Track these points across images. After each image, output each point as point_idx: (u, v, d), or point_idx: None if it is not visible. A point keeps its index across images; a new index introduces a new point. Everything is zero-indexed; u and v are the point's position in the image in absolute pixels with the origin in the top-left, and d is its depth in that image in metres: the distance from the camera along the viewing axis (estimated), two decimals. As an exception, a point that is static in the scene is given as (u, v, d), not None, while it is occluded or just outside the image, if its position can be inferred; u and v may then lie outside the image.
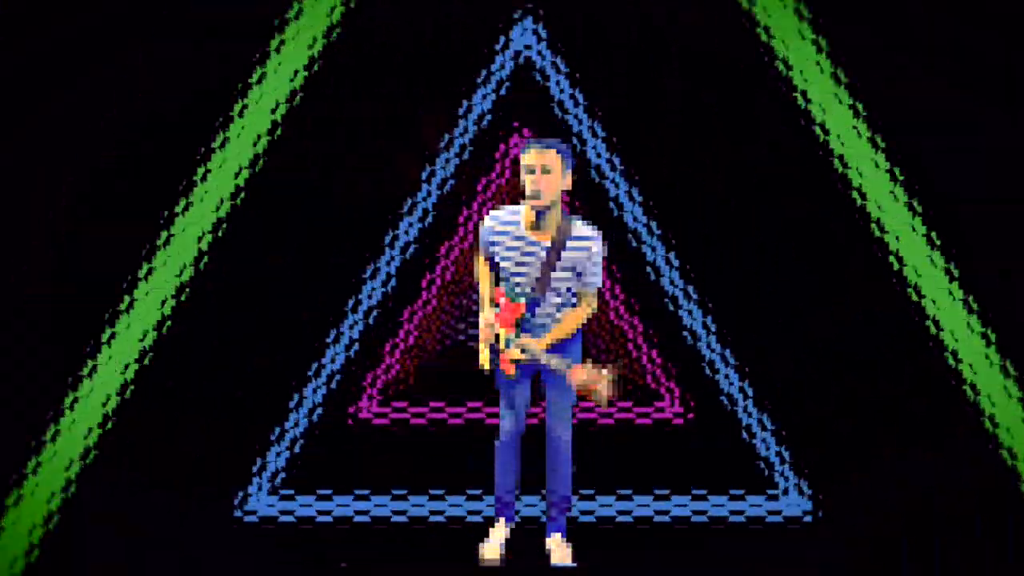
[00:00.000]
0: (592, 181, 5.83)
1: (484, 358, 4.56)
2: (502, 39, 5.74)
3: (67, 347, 5.28)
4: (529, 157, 4.26)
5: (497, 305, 4.50)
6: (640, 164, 5.80)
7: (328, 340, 5.76)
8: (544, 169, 4.24)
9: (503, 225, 4.42)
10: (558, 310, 4.46)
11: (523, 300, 4.42)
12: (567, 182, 4.31)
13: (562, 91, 5.79)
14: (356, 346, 5.82)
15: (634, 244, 5.83)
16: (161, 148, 5.40)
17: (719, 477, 5.39)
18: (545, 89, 5.79)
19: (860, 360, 5.57)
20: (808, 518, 5.20)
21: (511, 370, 4.46)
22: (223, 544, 4.91)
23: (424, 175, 5.81)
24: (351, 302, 5.82)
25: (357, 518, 5.14)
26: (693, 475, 5.42)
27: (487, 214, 4.49)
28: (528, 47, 5.77)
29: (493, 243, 4.44)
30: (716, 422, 5.80)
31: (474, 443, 5.13)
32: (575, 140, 5.81)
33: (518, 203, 4.40)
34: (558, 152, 4.27)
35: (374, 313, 5.85)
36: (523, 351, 4.39)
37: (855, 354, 5.58)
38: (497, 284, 4.54)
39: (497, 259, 4.45)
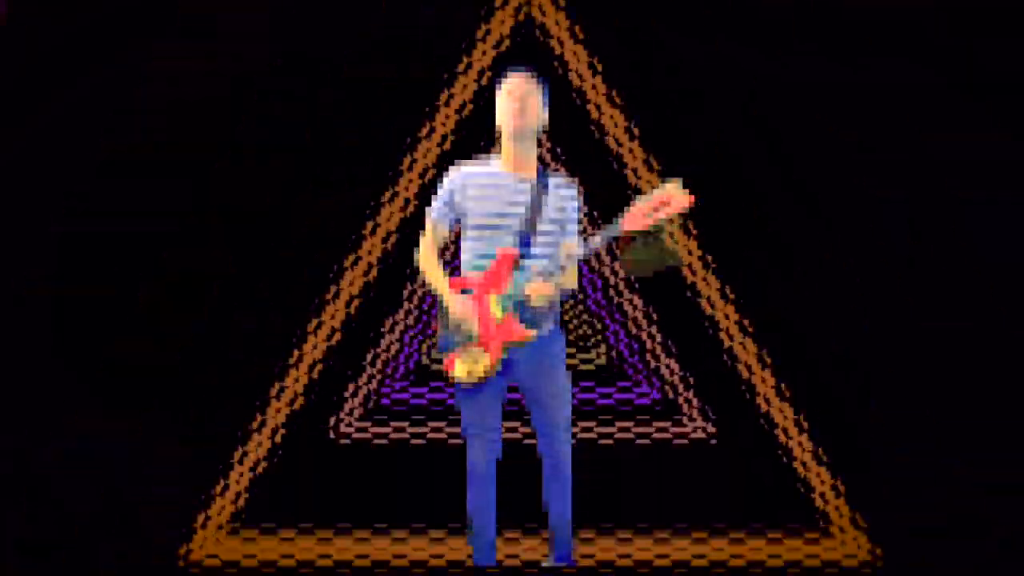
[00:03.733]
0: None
1: (463, 366, 3.81)
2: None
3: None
4: (510, 85, 3.92)
5: (465, 291, 3.86)
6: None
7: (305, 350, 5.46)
8: (525, 93, 3.89)
9: (475, 171, 3.95)
10: (549, 259, 3.87)
11: (508, 245, 3.83)
12: (545, 118, 3.97)
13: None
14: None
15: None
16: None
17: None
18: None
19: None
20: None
21: (531, 334, 3.77)
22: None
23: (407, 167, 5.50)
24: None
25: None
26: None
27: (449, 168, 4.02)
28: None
29: (466, 186, 3.90)
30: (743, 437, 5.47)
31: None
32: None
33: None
34: (539, 81, 3.96)
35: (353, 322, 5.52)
36: (545, 278, 3.73)
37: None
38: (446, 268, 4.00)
39: (471, 204, 3.89)
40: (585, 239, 3.82)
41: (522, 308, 3.79)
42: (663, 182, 3.64)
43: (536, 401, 3.95)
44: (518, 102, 3.88)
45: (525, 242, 3.84)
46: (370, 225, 5.43)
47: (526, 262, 3.83)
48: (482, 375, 3.80)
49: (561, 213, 3.93)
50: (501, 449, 3.98)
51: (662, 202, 3.59)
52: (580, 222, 4.03)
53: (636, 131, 5.48)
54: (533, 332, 3.80)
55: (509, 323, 3.77)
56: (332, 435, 5.56)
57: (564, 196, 3.95)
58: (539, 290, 3.75)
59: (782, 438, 5.24)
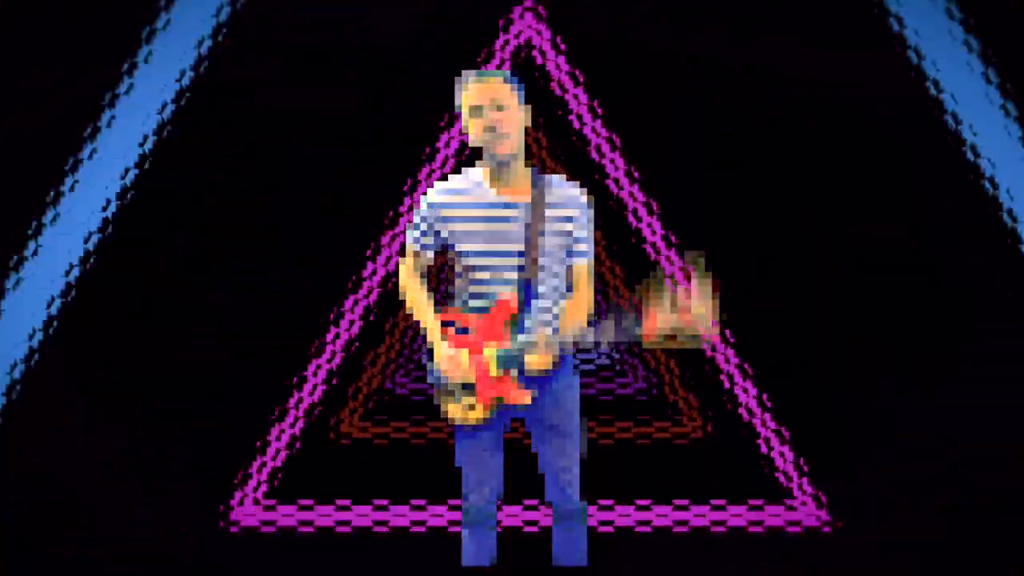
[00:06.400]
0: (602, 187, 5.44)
1: (457, 408, 3.38)
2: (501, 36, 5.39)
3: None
4: (471, 95, 3.23)
5: (463, 329, 3.39)
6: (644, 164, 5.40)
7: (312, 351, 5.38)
8: (495, 105, 3.21)
9: (455, 194, 3.31)
10: (554, 301, 3.36)
11: (508, 291, 3.31)
12: (527, 118, 3.30)
13: (565, 91, 5.42)
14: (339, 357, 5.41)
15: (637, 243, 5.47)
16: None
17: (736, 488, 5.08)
18: (547, 90, 5.40)
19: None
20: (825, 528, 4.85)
21: (527, 398, 3.34)
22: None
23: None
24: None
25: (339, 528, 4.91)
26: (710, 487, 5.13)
27: (426, 189, 3.42)
28: (529, 44, 5.43)
29: (446, 218, 3.31)
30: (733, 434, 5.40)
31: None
32: (576, 139, 5.43)
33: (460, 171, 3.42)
34: (506, 81, 3.24)
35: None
36: (546, 349, 3.28)
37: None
38: (438, 295, 3.49)
39: (455, 239, 3.33)
40: (597, 325, 3.28)
41: (520, 369, 3.35)
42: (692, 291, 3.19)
43: (541, 437, 3.46)
44: (491, 120, 3.23)
45: (524, 286, 3.30)
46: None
47: (526, 318, 3.33)
48: (477, 421, 3.39)
49: (565, 236, 3.34)
50: (502, 491, 3.53)
51: (687, 322, 3.17)
52: (594, 232, 3.44)
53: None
54: (529, 395, 3.33)
55: (505, 383, 3.35)
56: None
57: (568, 209, 3.34)
58: (539, 363, 3.30)
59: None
